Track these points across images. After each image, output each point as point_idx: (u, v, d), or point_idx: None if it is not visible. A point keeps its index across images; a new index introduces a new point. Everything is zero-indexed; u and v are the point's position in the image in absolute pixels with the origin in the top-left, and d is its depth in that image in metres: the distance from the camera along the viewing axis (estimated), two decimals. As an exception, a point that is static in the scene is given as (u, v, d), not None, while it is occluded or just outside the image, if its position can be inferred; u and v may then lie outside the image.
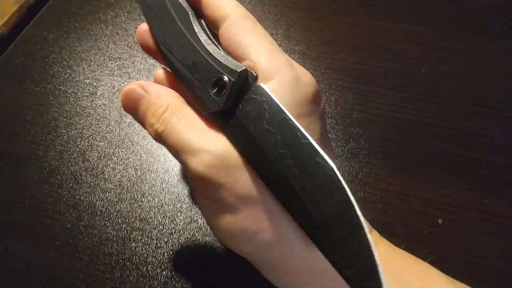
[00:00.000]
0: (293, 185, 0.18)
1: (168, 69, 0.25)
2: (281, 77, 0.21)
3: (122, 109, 0.25)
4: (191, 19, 0.23)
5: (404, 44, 0.41)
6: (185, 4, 0.24)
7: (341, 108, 0.37)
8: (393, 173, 0.33)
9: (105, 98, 0.39)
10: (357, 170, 0.33)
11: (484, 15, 0.43)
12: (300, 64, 0.41)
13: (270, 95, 0.20)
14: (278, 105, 0.19)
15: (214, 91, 0.21)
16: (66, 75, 0.41)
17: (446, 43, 0.41)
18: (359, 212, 0.16)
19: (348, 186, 0.16)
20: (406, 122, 0.36)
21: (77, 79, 0.41)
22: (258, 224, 0.21)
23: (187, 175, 0.22)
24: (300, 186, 0.18)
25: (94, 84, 0.41)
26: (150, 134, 0.23)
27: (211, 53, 0.22)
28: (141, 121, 0.24)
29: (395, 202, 0.32)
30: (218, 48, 0.22)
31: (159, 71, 0.26)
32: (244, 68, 0.20)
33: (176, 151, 0.22)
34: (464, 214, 0.31)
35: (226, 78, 0.20)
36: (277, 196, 0.20)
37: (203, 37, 0.23)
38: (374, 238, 0.23)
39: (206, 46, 0.22)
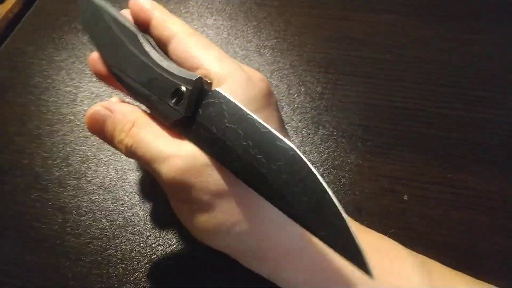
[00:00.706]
0: (261, 171, 0.20)
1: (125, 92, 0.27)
2: (234, 79, 0.23)
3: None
4: (141, 40, 0.25)
5: (370, 33, 0.43)
6: (132, 28, 0.26)
7: (310, 98, 0.39)
8: (361, 155, 0.35)
9: (85, 104, 0.41)
10: (326, 155, 0.35)
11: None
12: (271, 58, 0.43)
13: (227, 97, 0.21)
14: (236, 104, 0.21)
15: (173, 101, 0.22)
16: (47, 85, 0.43)
17: (410, 29, 0.43)
18: (322, 180, 0.18)
19: (318, 170, 0.18)
20: (373, 107, 0.37)
21: (57, 87, 0.43)
22: (234, 217, 0.22)
23: (160, 183, 0.24)
24: (268, 170, 0.20)
25: (74, 91, 0.42)
26: (120, 151, 0.25)
27: (164, 68, 0.23)
28: (109, 139, 0.25)
29: (362, 182, 0.33)
30: (171, 62, 0.24)
31: (112, 99, 0.28)
32: (199, 76, 0.22)
33: (147, 161, 0.23)
34: (429, 189, 0.33)
35: (183, 88, 0.22)
36: (249, 185, 0.21)
37: (154, 55, 0.24)
38: None
39: (158, 62, 0.24)
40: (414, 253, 0.25)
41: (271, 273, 0.25)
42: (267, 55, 0.43)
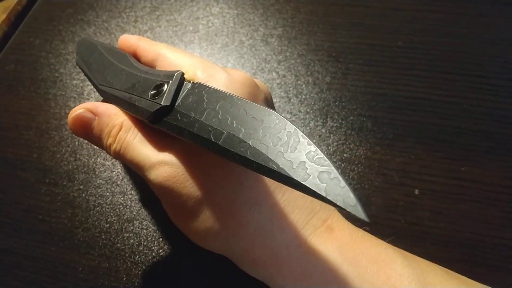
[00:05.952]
0: (243, 140, 0.18)
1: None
2: (216, 79, 0.23)
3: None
4: (130, 59, 0.26)
5: (380, 19, 0.42)
6: (122, 52, 0.28)
7: (319, 89, 0.38)
8: (370, 148, 0.34)
9: (92, 97, 0.41)
10: (335, 148, 0.34)
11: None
12: (278, 48, 0.42)
13: (207, 85, 0.21)
14: (215, 88, 0.21)
15: (153, 93, 0.22)
16: (54, 79, 0.43)
17: (421, 13, 0.41)
18: (303, 136, 0.17)
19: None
20: (382, 97, 0.36)
21: (64, 81, 0.43)
22: (220, 222, 0.22)
23: (150, 186, 0.24)
24: (249, 139, 0.18)
25: (80, 84, 0.42)
26: (108, 153, 0.25)
27: (148, 72, 0.24)
28: (96, 142, 0.26)
29: (372, 175, 0.33)
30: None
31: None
32: (181, 71, 0.22)
33: (135, 166, 0.24)
34: (441, 183, 0.32)
35: (164, 83, 0.22)
36: (233, 159, 0.19)
37: (142, 67, 0.25)
38: (331, 223, 0.24)
39: (144, 70, 0.24)
40: (413, 263, 0.23)
41: (265, 278, 0.25)
42: (275, 44, 0.42)
